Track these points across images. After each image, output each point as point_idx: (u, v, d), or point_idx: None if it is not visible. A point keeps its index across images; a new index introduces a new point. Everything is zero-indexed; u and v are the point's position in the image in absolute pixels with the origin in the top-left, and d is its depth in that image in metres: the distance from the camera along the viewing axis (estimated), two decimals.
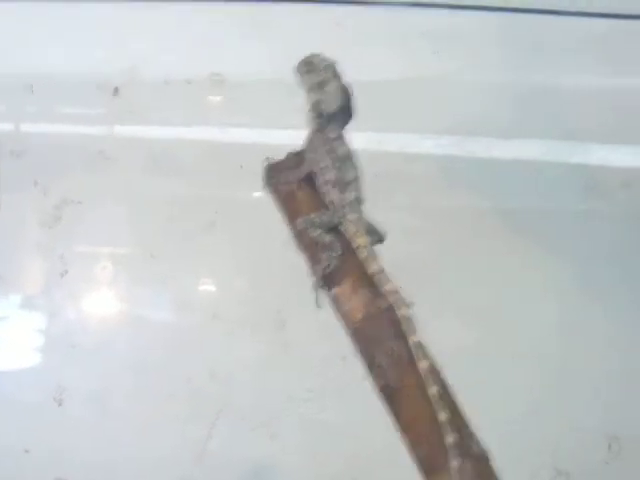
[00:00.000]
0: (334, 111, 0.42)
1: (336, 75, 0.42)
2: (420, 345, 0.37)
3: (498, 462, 0.37)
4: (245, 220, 0.68)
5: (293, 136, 0.62)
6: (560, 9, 0.72)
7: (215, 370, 0.68)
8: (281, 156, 0.44)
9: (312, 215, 0.41)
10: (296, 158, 0.44)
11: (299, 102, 0.44)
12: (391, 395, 0.37)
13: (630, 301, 0.69)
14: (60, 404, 0.67)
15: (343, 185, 0.41)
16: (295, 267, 0.43)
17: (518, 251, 0.69)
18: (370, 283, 0.39)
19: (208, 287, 0.73)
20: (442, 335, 0.41)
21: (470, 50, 0.73)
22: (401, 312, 0.37)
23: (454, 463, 0.34)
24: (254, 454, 0.67)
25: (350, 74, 0.43)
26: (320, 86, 0.42)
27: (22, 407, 0.68)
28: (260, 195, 0.56)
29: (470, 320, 0.67)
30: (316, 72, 0.42)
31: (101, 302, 0.72)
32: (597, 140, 0.74)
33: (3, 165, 0.71)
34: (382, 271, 0.39)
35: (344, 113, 0.43)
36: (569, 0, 0.72)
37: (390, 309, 0.38)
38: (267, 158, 0.45)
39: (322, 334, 0.58)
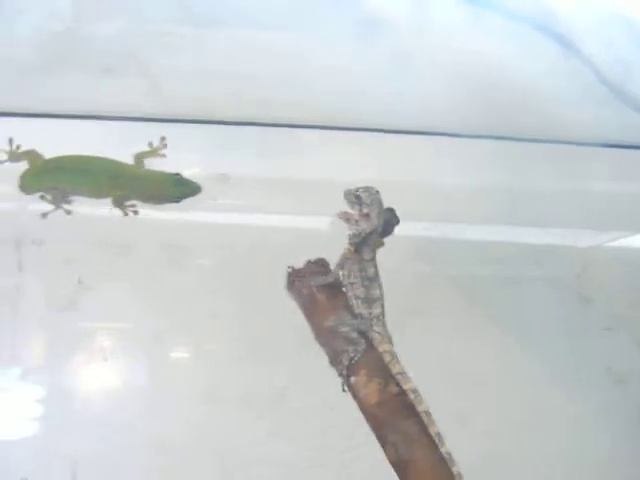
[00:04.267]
0: (373, 236, 0.50)
1: (381, 208, 0.50)
2: (439, 434, 0.46)
3: None
4: (249, 308, 0.75)
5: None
6: None
7: (215, 446, 0.74)
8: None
9: (344, 316, 0.49)
10: (314, 266, 0.53)
11: None
12: (403, 467, 0.45)
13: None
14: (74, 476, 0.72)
15: (370, 301, 0.50)
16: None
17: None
18: (382, 375, 0.48)
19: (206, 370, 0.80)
20: None
21: None
22: (421, 408, 0.47)
23: None
24: None
25: None
26: (366, 218, 0.50)
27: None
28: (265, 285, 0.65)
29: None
30: (363, 205, 0.49)
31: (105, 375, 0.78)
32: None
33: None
34: (404, 372, 0.48)
35: (382, 236, 0.51)
36: None
37: (400, 394, 0.47)
38: (289, 266, 0.53)
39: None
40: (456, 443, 0.59)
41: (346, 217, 0.51)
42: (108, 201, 0.73)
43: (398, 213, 0.52)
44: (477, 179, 0.82)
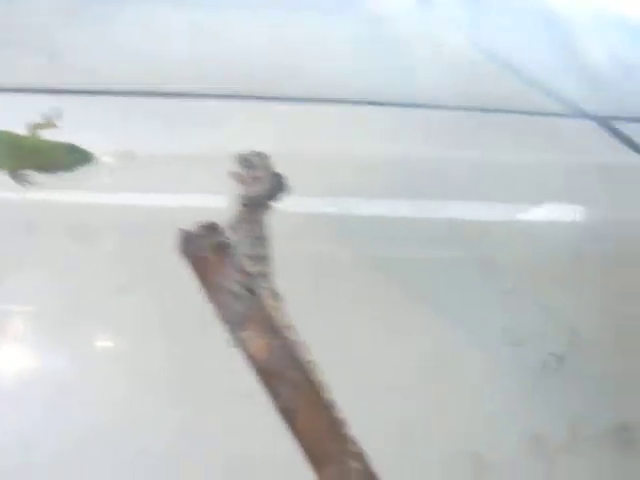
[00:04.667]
0: (263, 200, 0.53)
1: (269, 170, 0.53)
2: (322, 382, 0.48)
3: None
4: (158, 282, 0.76)
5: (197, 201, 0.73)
6: None
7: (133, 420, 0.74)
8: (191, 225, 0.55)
9: (234, 274, 0.51)
10: (204, 228, 0.54)
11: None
12: (288, 414, 0.47)
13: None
14: None
15: (258, 259, 0.52)
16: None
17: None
18: (270, 329, 0.49)
19: (121, 346, 0.80)
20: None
21: None
22: (307, 358, 0.49)
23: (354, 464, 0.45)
24: None
25: None
26: (255, 180, 0.52)
27: None
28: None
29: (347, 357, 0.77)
30: (252, 168, 0.52)
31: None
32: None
33: None
34: (290, 325, 0.50)
35: (270, 200, 0.53)
36: None
37: (287, 346, 0.48)
38: (180, 229, 0.55)
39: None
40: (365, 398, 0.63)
41: (239, 178, 0.53)
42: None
43: (297, 185, 0.55)
44: (380, 150, 0.84)
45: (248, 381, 0.51)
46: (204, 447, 0.75)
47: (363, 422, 0.73)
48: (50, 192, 0.79)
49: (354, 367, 0.77)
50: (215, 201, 0.77)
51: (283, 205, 0.55)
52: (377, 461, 0.63)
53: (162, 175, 0.80)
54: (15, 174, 0.73)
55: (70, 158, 0.73)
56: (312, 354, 0.49)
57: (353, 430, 0.63)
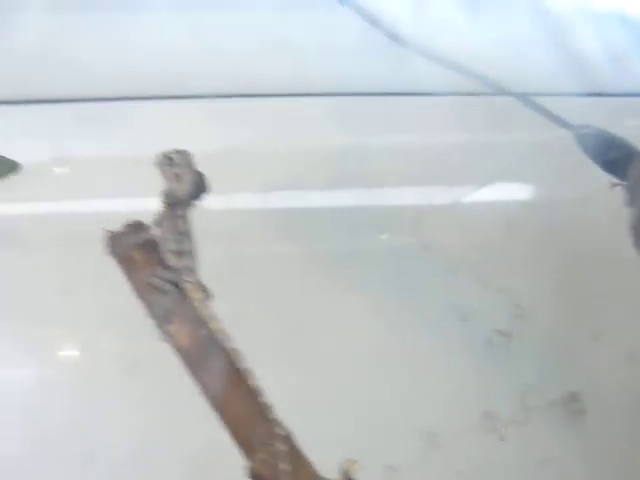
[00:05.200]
0: (185, 198, 0.53)
1: (191, 168, 0.53)
2: (246, 368, 0.49)
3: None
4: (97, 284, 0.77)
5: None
6: None
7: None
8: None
9: (158, 270, 0.53)
10: (132, 227, 0.55)
11: None
12: (216, 402, 0.48)
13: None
14: None
15: (181, 254, 0.53)
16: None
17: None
18: (194, 320, 0.51)
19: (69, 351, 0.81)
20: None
21: None
22: (229, 345, 0.50)
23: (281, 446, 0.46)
24: None
25: None
26: (177, 178, 0.53)
27: None
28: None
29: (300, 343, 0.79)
30: (174, 166, 0.52)
31: None
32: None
33: None
34: (213, 315, 0.51)
35: (193, 199, 0.54)
36: None
37: (210, 335, 0.50)
38: (107, 230, 0.56)
39: None
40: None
41: (162, 175, 0.54)
42: None
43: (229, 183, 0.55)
44: (315, 141, 0.86)
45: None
46: (164, 445, 0.77)
47: (316, 407, 0.75)
48: None
49: (305, 357, 0.78)
50: (146, 202, 0.78)
51: (212, 203, 0.56)
52: (331, 441, 0.66)
53: (93, 179, 0.81)
54: None
55: None
56: (236, 343, 0.50)
57: (309, 413, 0.65)
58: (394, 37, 0.81)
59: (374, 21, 0.81)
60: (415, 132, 0.91)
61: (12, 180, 0.72)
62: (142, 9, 0.80)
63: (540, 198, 0.92)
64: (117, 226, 0.57)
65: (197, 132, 0.80)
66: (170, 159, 0.53)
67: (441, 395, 0.82)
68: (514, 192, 0.94)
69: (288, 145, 0.84)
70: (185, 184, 0.53)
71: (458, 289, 0.86)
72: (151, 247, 0.54)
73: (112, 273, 0.74)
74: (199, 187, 0.54)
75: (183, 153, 0.53)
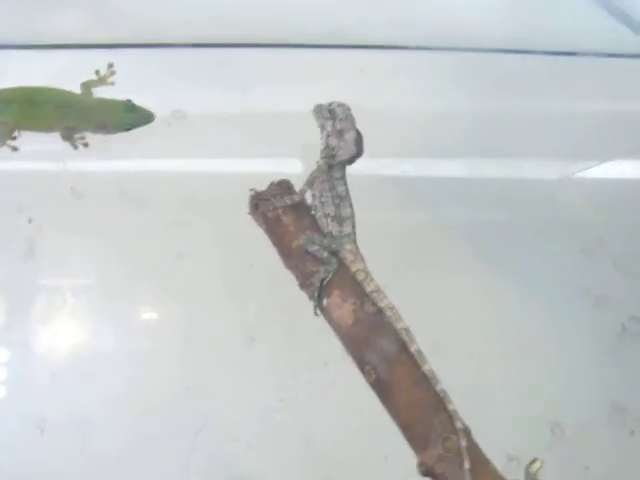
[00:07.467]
0: (347, 158, 0.48)
1: (354, 125, 0.47)
2: (420, 351, 0.43)
3: None
4: (212, 248, 0.72)
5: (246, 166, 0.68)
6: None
7: (191, 389, 0.71)
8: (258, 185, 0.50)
9: (315, 235, 0.47)
10: (277, 187, 0.50)
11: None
12: (383, 387, 0.43)
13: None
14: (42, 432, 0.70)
15: (340, 219, 0.47)
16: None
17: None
18: (357, 294, 0.45)
19: (178, 313, 0.77)
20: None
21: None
22: (400, 325, 0.44)
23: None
24: (233, 464, 0.71)
25: None
26: (340, 134, 0.47)
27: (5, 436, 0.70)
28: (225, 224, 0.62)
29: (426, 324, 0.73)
30: (337, 120, 0.47)
31: (72, 331, 0.75)
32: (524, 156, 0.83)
33: None
34: (379, 289, 0.45)
35: (354, 160, 0.48)
36: None
37: (377, 313, 0.44)
38: (252, 189, 0.50)
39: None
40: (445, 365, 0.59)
41: (324, 128, 0.48)
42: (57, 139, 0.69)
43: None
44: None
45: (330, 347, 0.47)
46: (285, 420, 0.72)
47: None
48: (101, 158, 0.76)
49: (432, 334, 0.73)
50: (280, 164, 0.73)
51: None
52: None
53: (218, 137, 0.76)
54: (67, 135, 0.69)
55: (127, 117, 0.68)
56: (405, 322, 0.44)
57: None
58: None
59: None
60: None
61: (136, 133, 0.68)
62: None
63: None
64: (258, 186, 0.52)
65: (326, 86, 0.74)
66: (332, 111, 0.47)
67: (568, 385, 0.76)
68: None
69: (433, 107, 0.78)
70: (348, 142, 0.47)
71: (592, 271, 0.79)
72: (302, 210, 0.49)
73: (234, 235, 0.71)
74: (359, 148, 0.48)
75: (345, 106, 0.48)
